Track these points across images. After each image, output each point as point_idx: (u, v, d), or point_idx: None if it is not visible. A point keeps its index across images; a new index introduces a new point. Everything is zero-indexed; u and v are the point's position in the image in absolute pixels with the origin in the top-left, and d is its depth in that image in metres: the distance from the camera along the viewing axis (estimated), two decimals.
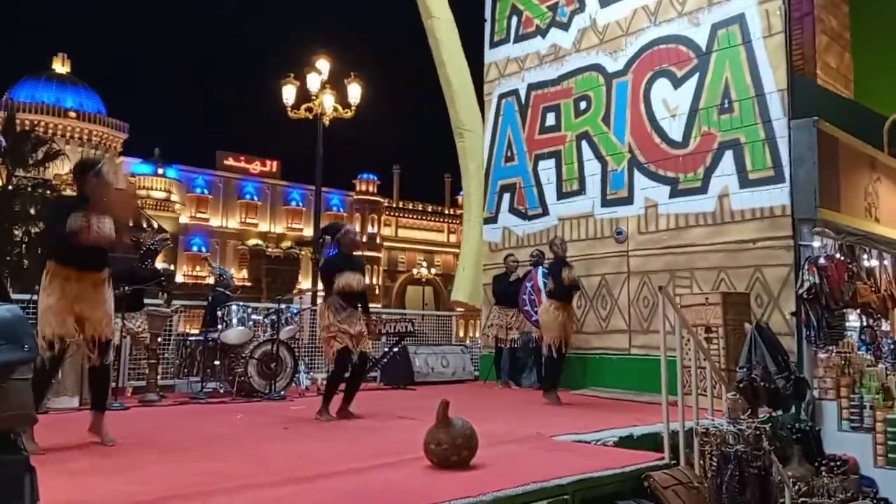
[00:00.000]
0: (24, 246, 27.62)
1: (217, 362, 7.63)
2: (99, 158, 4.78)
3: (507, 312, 9.10)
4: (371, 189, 49.84)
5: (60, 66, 46.51)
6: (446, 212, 52.61)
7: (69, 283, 4.22)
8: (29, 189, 28.62)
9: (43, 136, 32.76)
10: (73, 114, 43.47)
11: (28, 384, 2.01)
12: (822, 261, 7.03)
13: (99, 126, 44.33)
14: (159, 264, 8.35)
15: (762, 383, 4.99)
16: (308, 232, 41.81)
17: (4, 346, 1.91)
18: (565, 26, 9.81)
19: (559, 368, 7.50)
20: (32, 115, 40.01)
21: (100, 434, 4.38)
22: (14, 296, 5.06)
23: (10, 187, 28.41)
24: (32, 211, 28.27)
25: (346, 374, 6.03)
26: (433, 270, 50.54)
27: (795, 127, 7.37)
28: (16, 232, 27.73)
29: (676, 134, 8.36)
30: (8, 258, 26.77)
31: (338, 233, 6.25)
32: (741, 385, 5.10)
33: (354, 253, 6.28)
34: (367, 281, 6.74)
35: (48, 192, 29.20)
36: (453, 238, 49.83)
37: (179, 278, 38.34)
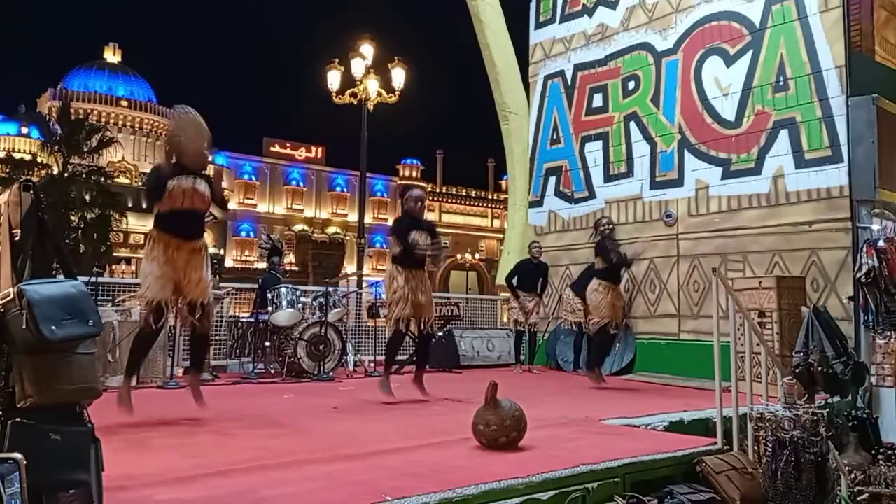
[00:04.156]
0: (80, 231, 28.47)
1: (267, 343, 7.77)
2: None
3: (529, 298, 8.95)
4: (414, 174, 49.91)
5: (112, 56, 47.58)
6: (490, 196, 52.45)
7: (170, 249, 4.46)
8: (84, 176, 29.46)
9: (97, 124, 33.57)
10: (124, 102, 44.44)
11: (92, 358, 2.07)
12: (881, 243, 6.77)
13: (150, 114, 45.21)
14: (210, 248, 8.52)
15: (819, 368, 4.84)
16: (352, 217, 42.16)
17: (70, 320, 1.96)
18: (613, 5, 9.62)
19: (606, 349, 7.49)
20: (85, 103, 40.94)
21: (195, 390, 4.73)
22: None
23: (65, 174, 29.31)
24: (87, 197, 29.12)
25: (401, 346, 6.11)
26: (477, 255, 50.51)
27: (854, 104, 7.12)
28: (72, 217, 28.58)
29: (729, 113, 8.15)
30: (66, 242, 27.63)
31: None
32: (798, 370, 4.97)
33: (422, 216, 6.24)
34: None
35: (102, 178, 30.07)
36: (497, 223, 49.66)
37: (229, 262, 39.10)
